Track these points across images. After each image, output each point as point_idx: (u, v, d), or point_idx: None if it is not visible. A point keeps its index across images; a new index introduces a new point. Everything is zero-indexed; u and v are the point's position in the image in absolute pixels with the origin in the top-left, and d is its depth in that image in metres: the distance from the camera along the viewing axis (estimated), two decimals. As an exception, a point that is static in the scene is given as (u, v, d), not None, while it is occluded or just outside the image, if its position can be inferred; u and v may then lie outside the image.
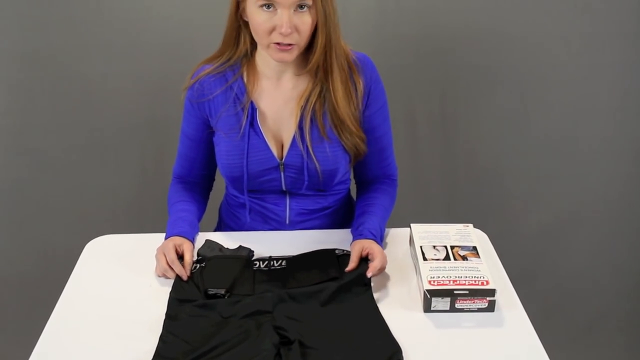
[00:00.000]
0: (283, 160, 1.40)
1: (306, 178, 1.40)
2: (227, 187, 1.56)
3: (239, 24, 1.35)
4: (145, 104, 2.05)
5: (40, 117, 2.05)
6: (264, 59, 1.37)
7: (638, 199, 2.22)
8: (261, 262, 1.31)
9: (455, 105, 2.10)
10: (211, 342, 1.10)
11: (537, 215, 2.24)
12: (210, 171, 1.54)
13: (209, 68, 1.40)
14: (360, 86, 1.38)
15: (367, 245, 1.30)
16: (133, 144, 2.11)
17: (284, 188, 1.44)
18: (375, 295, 1.23)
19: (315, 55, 1.31)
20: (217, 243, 1.37)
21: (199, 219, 1.48)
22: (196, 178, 1.53)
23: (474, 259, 1.25)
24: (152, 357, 1.08)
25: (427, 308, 1.19)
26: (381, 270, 1.28)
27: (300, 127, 1.37)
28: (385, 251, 1.32)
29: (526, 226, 2.25)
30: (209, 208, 1.57)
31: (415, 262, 1.31)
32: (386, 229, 1.44)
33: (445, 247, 1.29)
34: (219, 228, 1.63)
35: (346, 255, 1.31)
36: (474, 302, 1.18)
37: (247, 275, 1.28)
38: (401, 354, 1.07)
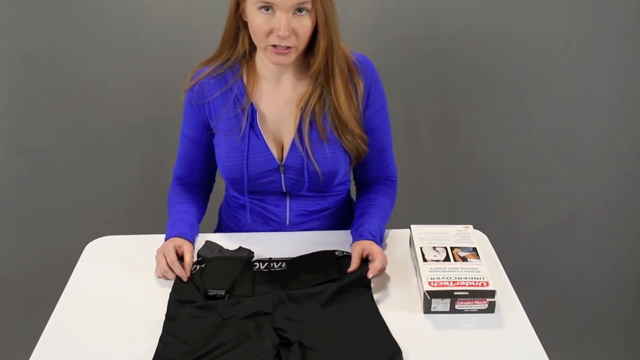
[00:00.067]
0: (283, 162, 1.39)
1: (306, 180, 1.40)
2: (227, 189, 1.56)
3: (239, 25, 1.34)
4: (145, 104, 2.05)
5: (40, 118, 2.05)
6: (264, 61, 1.37)
7: (638, 199, 2.22)
8: (261, 264, 1.31)
9: (455, 105, 2.10)
10: (211, 344, 1.10)
11: (537, 216, 2.24)
12: (211, 173, 1.53)
13: (208, 70, 1.40)
14: (360, 87, 1.38)
15: (367, 246, 1.30)
16: (133, 144, 2.10)
17: (284, 189, 1.44)
18: (375, 296, 1.23)
19: (317, 60, 1.31)
20: (217, 244, 1.37)
21: (199, 220, 1.48)
22: (196, 180, 1.52)
23: (474, 260, 1.25)
24: (152, 358, 1.08)
25: (427, 309, 1.19)
26: (381, 271, 1.27)
27: (299, 130, 1.37)
28: (385, 252, 1.31)
29: (526, 226, 2.25)
30: (209, 209, 1.57)
31: (415, 263, 1.31)
32: (386, 230, 1.44)
33: (445, 248, 1.29)
34: (218, 229, 1.63)
35: (346, 257, 1.31)
36: (474, 303, 1.18)
37: (247, 276, 1.28)
38: (401, 355, 1.08)
